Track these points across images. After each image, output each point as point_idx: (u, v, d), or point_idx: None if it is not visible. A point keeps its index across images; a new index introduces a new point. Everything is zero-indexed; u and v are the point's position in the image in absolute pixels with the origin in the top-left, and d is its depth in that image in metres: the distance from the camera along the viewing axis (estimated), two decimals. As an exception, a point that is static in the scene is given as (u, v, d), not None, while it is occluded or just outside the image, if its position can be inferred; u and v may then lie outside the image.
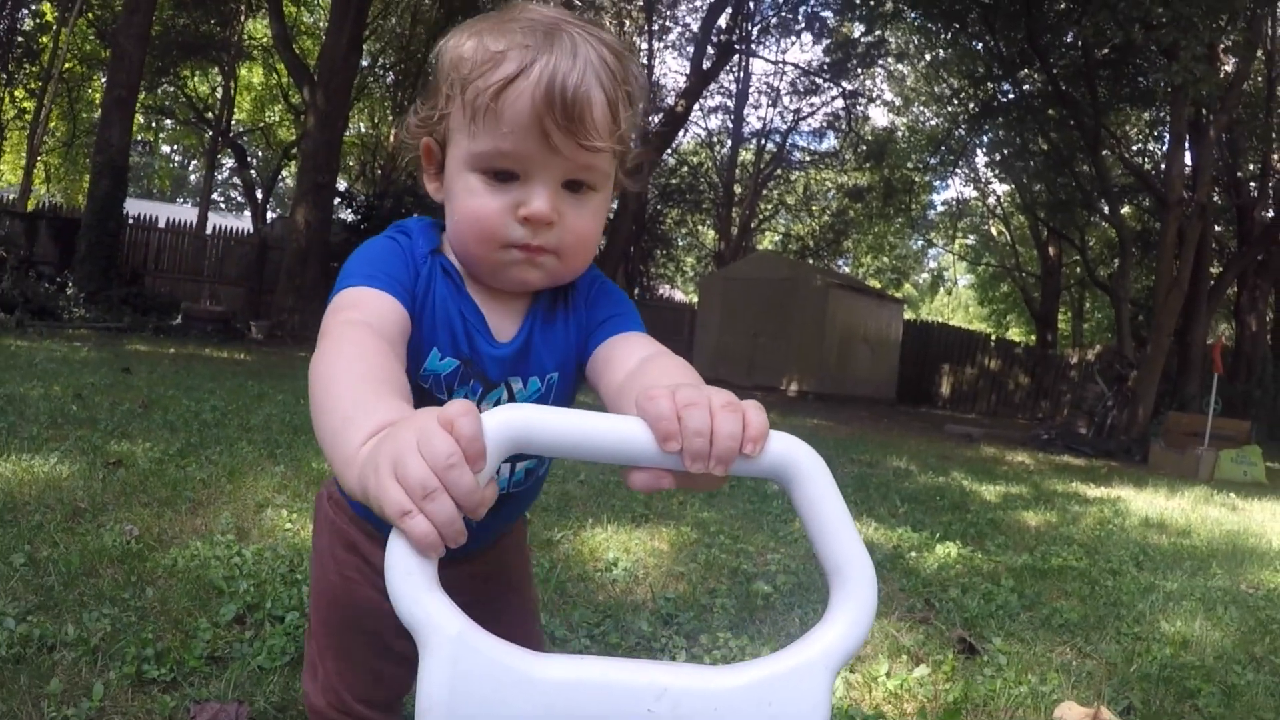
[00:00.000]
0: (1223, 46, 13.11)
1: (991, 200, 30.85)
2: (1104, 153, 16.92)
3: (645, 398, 0.63)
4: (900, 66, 27.27)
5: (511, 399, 1.03)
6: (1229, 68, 13.72)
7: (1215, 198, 19.83)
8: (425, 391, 1.01)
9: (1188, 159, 14.58)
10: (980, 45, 15.94)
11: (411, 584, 0.57)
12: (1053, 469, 8.83)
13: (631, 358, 0.95)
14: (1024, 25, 13.72)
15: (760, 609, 2.64)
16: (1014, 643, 2.60)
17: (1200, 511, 6.42)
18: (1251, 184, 19.14)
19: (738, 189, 28.76)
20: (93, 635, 1.88)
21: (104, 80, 22.14)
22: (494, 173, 0.94)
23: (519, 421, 0.60)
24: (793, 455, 0.63)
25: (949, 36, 16.79)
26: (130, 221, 16.04)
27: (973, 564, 3.57)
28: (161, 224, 18.26)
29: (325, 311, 0.91)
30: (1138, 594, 3.40)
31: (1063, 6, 13.33)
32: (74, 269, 12.66)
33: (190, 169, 39.99)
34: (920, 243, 37.98)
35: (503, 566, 1.25)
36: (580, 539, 3.17)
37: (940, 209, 33.49)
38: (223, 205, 35.33)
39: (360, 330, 0.84)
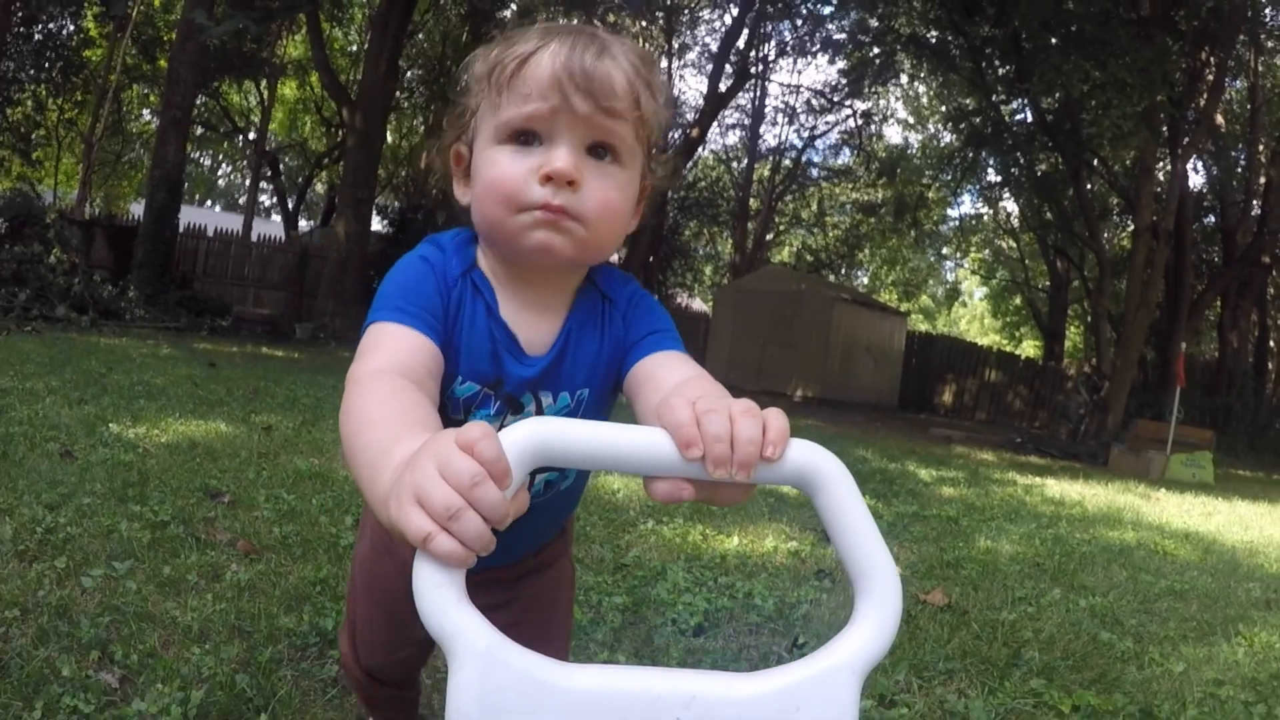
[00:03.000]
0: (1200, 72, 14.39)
1: (1001, 215, 31.92)
2: (1091, 179, 18.25)
3: (665, 407, 0.65)
4: (916, 85, 28.46)
5: (540, 414, 1.06)
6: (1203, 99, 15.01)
7: (1210, 219, 21.15)
8: (442, 410, 1.00)
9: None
10: (972, 76, 17.22)
11: (440, 597, 0.59)
12: (1009, 465, 9.46)
13: (670, 380, 0.95)
14: (1013, 61, 15.06)
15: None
16: (863, 540, 4.01)
17: (1109, 496, 7.27)
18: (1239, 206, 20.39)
19: (754, 204, 30.14)
20: (325, 503, 3.38)
21: (145, 92, 23.93)
22: (517, 136, 0.96)
23: (541, 434, 0.62)
24: (815, 462, 0.65)
25: (944, 68, 18.13)
26: (181, 230, 17.24)
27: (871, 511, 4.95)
28: (210, 232, 19.88)
29: (359, 344, 0.93)
30: (983, 531, 4.78)
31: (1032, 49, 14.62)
32: (132, 273, 13.82)
33: (219, 175, 41.94)
34: (933, 257, 39.09)
35: (533, 584, 1.27)
36: (597, 478, 4.61)
37: (954, 224, 34.53)
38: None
39: (385, 379, 0.85)
